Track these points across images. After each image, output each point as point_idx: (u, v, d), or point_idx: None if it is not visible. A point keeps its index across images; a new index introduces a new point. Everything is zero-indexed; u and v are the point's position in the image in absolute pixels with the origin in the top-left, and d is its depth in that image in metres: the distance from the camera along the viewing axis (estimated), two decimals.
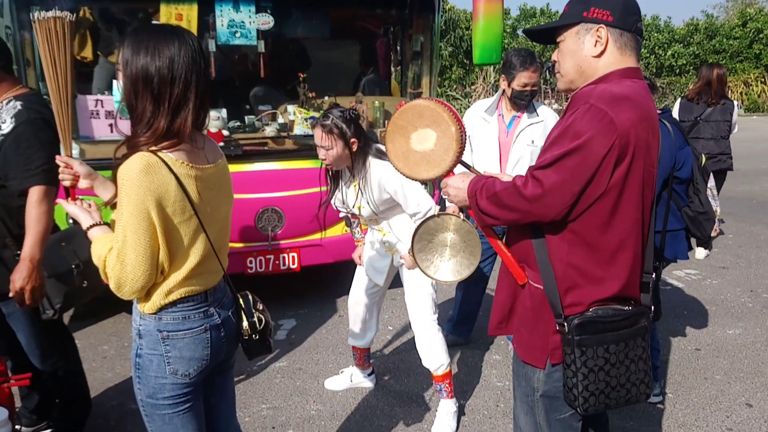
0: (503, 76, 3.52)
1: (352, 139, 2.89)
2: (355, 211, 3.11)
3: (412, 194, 2.91)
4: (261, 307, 2.00)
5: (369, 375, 3.63)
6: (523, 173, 2.09)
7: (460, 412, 3.33)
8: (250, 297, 2.00)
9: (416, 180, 2.06)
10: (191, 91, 1.67)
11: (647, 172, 1.73)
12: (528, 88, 3.46)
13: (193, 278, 1.78)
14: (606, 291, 1.77)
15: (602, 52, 1.76)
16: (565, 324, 1.76)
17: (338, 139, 2.85)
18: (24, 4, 3.97)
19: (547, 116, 3.60)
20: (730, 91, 23.54)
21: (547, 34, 1.89)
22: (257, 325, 1.95)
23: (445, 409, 3.19)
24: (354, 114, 2.91)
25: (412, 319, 3.17)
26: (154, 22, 4.27)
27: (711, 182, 3.07)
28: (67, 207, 1.86)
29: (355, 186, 3.03)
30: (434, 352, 3.12)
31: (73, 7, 4.10)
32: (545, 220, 1.74)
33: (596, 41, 1.76)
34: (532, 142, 3.53)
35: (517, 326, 1.96)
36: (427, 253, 2.11)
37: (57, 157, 1.95)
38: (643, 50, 23.24)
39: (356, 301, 3.38)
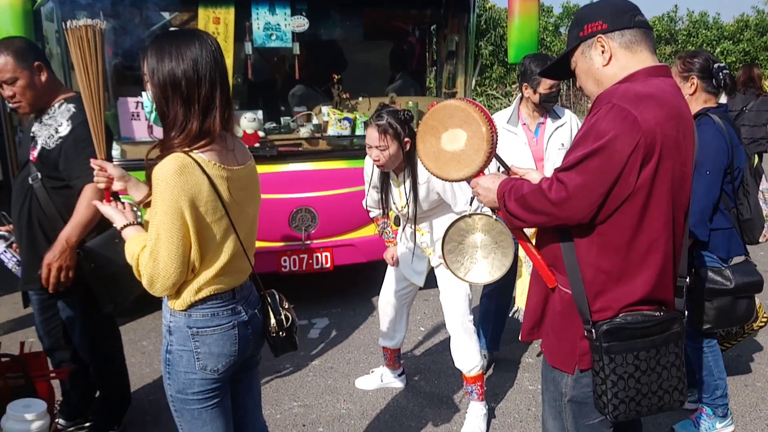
0: (525, 84, 3.46)
1: (406, 139, 2.89)
2: (397, 211, 3.12)
3: (461, 193, 2.92)
4: (287, 305, 2.03)
5: (399, 375, 3.63)
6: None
7: (491, 414, 3.31)
8: (276, 295, 2.04)
9: (446, 180, 2.06)
10: (217, 90, 1.72)
11: (678, 171, 1.69)
12: (554, 89, 3.43)
13: (223, 276, 1.81)
14: (636, 294, 1.73)
15: (611, 58, 1.74)
16: (593, 330, 1.73)
17: (393, 140, 2.85)
18: (70, 10, 4.11)
19: (570, 118, 3.57)
20: None
21: (564, 68, 1.89)
22: (284, 323, 1.99)
23: (475, 411, 3.17)
24: (409, 115, 2.94)
25: (448, 320, 3.17)
26: (173, 28, 4.37)
27: (764, 184, 2.95)
28: (102, 208, 1.93)
29: (400, 185, 3.04)
30: (468, 354, 3.11)
31: (112, 13, 4.22)
32: (572, 223, 1.72)
33: (602, 50, 1.74)
34: (563, 145, 3.49)
35: (547, 331, 1.94)
36: (458, 254, 2.10)
37: (92, 160, 2.02)
38: (691, 48, 22.64)
39: (387, 301, 3.39)
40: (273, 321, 1.97)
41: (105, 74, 2.01)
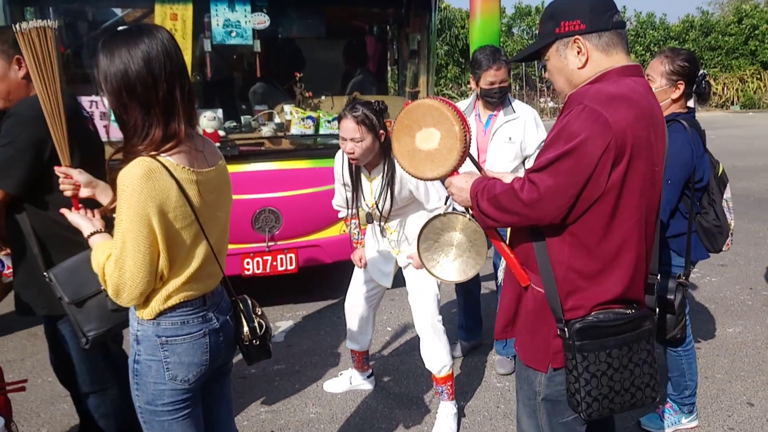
0: (471, 76, 3.52)
1: (381, 131, 2.85)
2: (368, 208, 3.06)
3: (434, 190, 2.90)
4: (260, 312, 1.97)
5: (368, 377, 3.60)
6: (502, 171, 2.07)
7: (461, 413, 3.30)
8: (249, 301, 1.97)
9: (421, 179, 2.05)
10: (176, 88, 1.63)
11: (650, 171, 1.70)
12: (495, 86, 3.45)
13: (192, 283, 1.75)
14: (608, 294, 1.74)
15: (586, 62, 1.74)
16: (566, 329, 1.74)
17: (369, 131, 2.79)
18: (18, 4, 3.94)
19: (524, 112, 3.56)
20: (725, 88, 23.61)
21: (535, 55, 1.88)
22: (257, 331, 1.92)
23: (446, 411, 3.16)
24: (383, 105, 2.88)
25: (417, 321, 3.14)
26: (126, 25, 4.23)
27: (728, 193, 2.93)
28: (69, 216, 1.85)
29: (372, 181, 3.00)
30: (438, 354, 3.10)
31: (64, 9, 4.06)
32: (543, 224, 1.72)
33: (578, 52, 1.74)
34: (510, 139, 3.51)
35: (520, 329, 1.94)
36: (433, 252, 2.10)
37: (56, 168, 1.93)
38: (638, 48, 23.31)
39: (354, 304, 3.34)
40: (246, 329, 1.90)
41: (61, 76, 1.91)
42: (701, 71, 2.80)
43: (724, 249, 2.92)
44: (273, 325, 4.45)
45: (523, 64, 16.95)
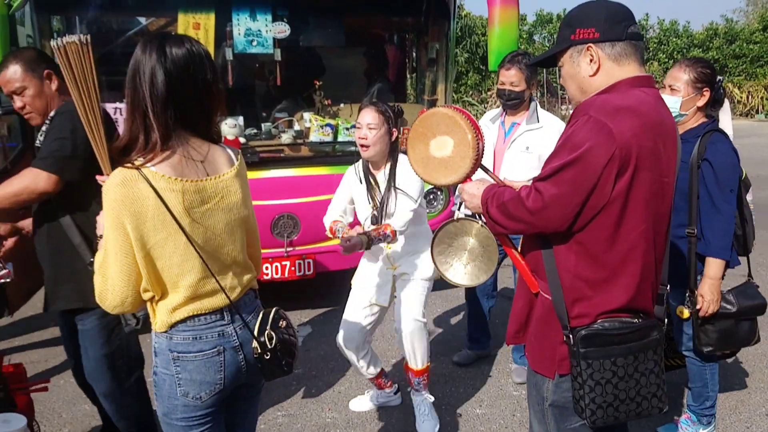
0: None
1: (393, 129, 2.98)
2: (368, 212, 3.07)
3: (414, 190, 2.95)
4: (283, 325, 1.85)
5: (395, 393, 3.51)
6: (517, 180, 2.11)
7: (477, 420, 3.31)
8: (272, 314, 1.84)
9: (435, 185, 2.10)
10: (157, 97, 1.62)
11: (657, 182, 1.72)
12: (506, 87, 3.47)
13: (196, 296, 1.71)
14: (613, 302, 1.75)
15: (598, 70, 1.76)
16: (571, 336, 1.75)
17: (384, 122, 2.93)
18: (45, 13, 4.04)
19: (549, 124, 3.54)
20: (750, 96, 23.28)
21: (550, 59, 1.91)
22: (267, 345, 1.79)
23: (426, 401, 3.20)
24: (399, 109, 3.03)
25: (404, 318, 3.06)
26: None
27: (750, 196, 2.94)
28: (99, 219, 1.86)
29: (376, 186, 3.04)
30: (421, 349, 3.10)
31: (89, 19, 4.16)
32: (548, 231, 1.76)
33: (590, 60, 1.76)
34: (527, 148, 3.50)
35: (530, 335, 1.96)
36: (447, 256, 2.16)
37: (98, 177, 2.00)
38: (661, 55, 23.09)
39: (350, 337, 3.16)
40: (255, 343, 1.79)
41: (98, 89, 1.94)
42: (719, 77, 2.82)
43: (750, 250, 2.95)
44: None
45: (545, 71, 16.86)
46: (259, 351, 1.78)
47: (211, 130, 1.77)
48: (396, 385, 3.54)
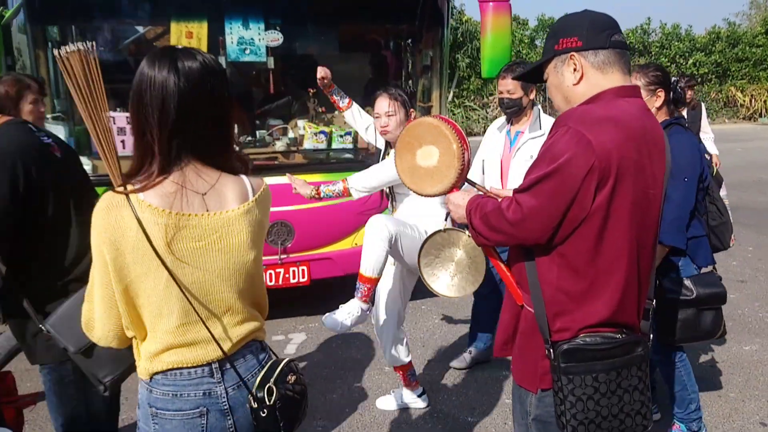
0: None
1: (411, 109, 3.13)
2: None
3: (372, 170, 3.10)
4: (292, 380, 1.62)
5: (420, 395, 3.50)
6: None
7: (469, 428, 3.30)
8: (280, 366, 1.61)
9: (422, 195, 2.10)
10: (165, 122, 1.44)
11: (641, 193, 1.69)
12: (504, 96, 3.51)
13: (183, 344, 1.50)
14: (595, 316, 1.72)
15: (581, 78, 1.74)
16: (552, 350, 1.73)
17: (401, 107, 3.09)
18: (38, 23, 4.06)
19: (549, 128, 3.57)
20: (753, 100, 23.22)
21: (538, 73, 1.90)
22: (266, 400, 1.55)
23: (355, 303, 3.15)
24: (413, 89, 3.21)
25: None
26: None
27: (723, 191, 3.03)
28: None
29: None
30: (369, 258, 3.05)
31: (83, 27, 4.17)
32: (529, 243, 1.73)
33: (574, 69, 1.74)
34: (531, 157, 3.50)
35: (514, 348, 1.94)
36: (434, 267, 2.15)
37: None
38: (663, 59, 23.02)
39: (389, 316, 3.27)
40: (250, 397, 1.56)
41: (105, 98, 1.86)
42: (674, 78, 2.97)
43: (731, 245, 3.01)
44: (285, 337, 4.50)
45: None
46: (255, 406, 1.54)
47: (228, 159, 1.56)
48: (422, 387, 3.55)
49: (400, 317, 3.33)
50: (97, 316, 1.52)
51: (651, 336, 1.88)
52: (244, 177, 1.58)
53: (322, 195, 3.14)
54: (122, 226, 1.43)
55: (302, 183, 3.19)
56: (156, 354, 1.50)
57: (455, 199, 1.97)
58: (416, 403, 3.51)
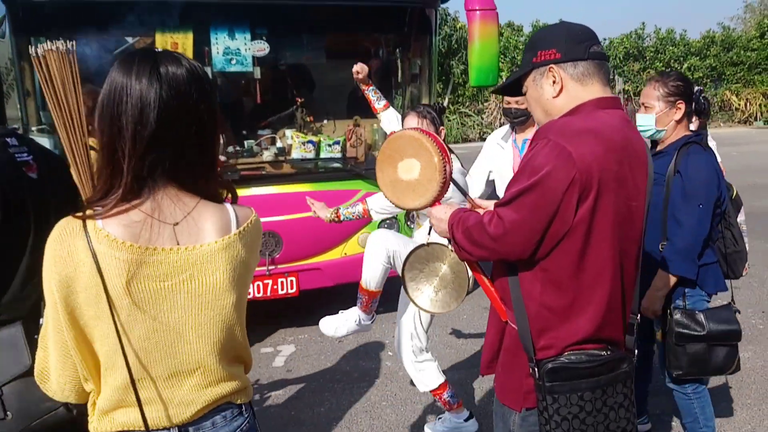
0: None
1: (441, 127, 3.07)
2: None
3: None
4: None
5: (466, 420, 3.28)
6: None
7: None
8: None
9: (403, 209, 2.07)
10: (142, 136, 1.23)
11: (623, 205, 1.66)
12: (511, 106, 3.49)
13: (133, 404, 1.27)
14: (580, 332, 1.69)
15: (561, 90, 1.72)
16: (537, 369, 1.69)
17: (430, 124, 3.01)
18: (24, 35, 4.03)
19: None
20: (748, 104, 23.24)
21: (516, 86, 1.87)
22: None
23: (354, 311, 3.11)
24: (441, 105, 3.12)
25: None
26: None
27: (741, 216, 2.83)
28: None
29: None
30: (370, 273, 3.04)
31: (66, 37, 4.14)
32: (512, 259, 1.70)
33: (553, 81, 1.72)
34: None
35: (498, 365, 1.90)
36: (418, 282, 2.12)
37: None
38: (658, 64, 23.08)
39: (400, 342, 3.18)
40: None
41: (81, 103, 1.69)
42: (698, 88, 2.76)
43: (743, 274, 2.82)
44: (274, 349, 4.46)
45: None
46: None
47: (210, 183, 1.34)
48: (468, 411, 3.29)
49: (416, 339, 3.11)
50: (52, 365, 1.29)
51: (635, 353, 1.83)
52: (228, 206, 1.36)
53: (342, 218, 2.99)
54: (75, 260, 1.20)
55: (321, 206, 3.07)
56: (106, 412, 1.28)
57: (437, 212, 1.92)
58: (464, 427, 3.25)
